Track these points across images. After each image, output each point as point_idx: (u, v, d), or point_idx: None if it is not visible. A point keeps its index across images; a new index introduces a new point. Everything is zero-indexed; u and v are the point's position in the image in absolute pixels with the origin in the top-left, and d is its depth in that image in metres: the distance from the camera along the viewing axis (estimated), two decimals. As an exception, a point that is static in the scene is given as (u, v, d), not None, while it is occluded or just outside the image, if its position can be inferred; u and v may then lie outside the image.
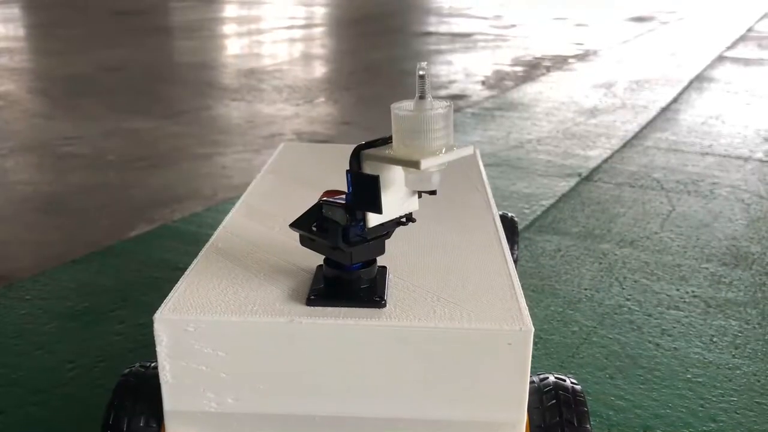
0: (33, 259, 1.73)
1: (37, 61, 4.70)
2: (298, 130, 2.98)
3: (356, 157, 0.75)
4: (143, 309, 1.44)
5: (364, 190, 0.75)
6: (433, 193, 0.78)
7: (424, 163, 0.71)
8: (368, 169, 0.75)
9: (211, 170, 2.45)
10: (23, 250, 1.80)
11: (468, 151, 0.75)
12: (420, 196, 0.80)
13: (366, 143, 0.76)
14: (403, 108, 0.73)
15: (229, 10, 8.02)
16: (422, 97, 0.72)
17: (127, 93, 3.69)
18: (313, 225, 0.79)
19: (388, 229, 0.79)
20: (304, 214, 0.81)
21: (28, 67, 4.40)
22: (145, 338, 1.33)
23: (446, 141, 0.73)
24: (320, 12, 8.09)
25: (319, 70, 4.51)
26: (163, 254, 1.71)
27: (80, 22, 6.54)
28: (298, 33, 6.21)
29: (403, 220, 0.80)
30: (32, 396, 1.17)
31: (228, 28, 6.51)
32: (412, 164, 0.72)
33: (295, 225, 0.81)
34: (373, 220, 0.77)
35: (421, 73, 0.72)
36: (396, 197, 0.78)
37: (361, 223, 0.77)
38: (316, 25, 6.92)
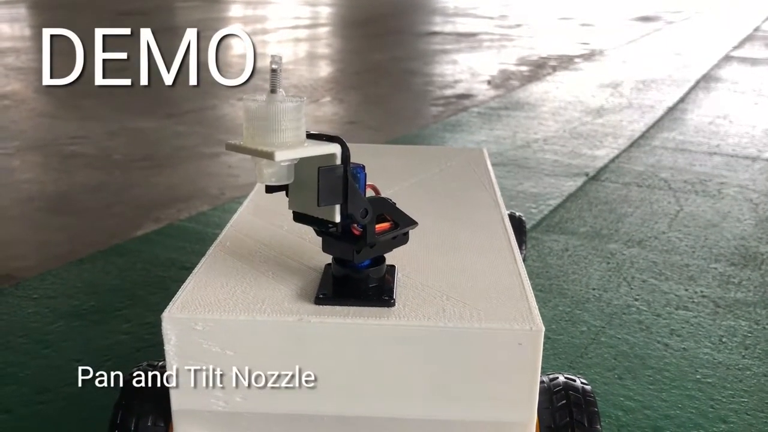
0: (39, 258, 1.73)
1: (42, 59, 4.70)
2: (304, 130, 2.97)
3: None
4: (150, 308, 1.44)
5: None
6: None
7: (227, 145, 0.73)
8: None
9: (217, 170, 2.44)
10: (29, 249, 1.80)
11: (290, 155, 0.72)
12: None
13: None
14: (253, 100, 0.73)
15: (234, 10, 8.03)
16: (273, 90, 0.72)
17: (132, 92, 3.69)
18: None
19: (311, 224, 0.78)
20: None
21: (34, 66, 4.41)
22: (151, 337, 1.33)
23: (285, 136, 0.72)
24: (325, 12, 8.09)
25: (325, 69, 4.51)
26: (170, 253, 1.71)
27: (85, 23, 6.55)
28: (303, 33, 6.21)
29: (356, 233, 0.78)
30: (39, 395, 1.16)
31: (233, 28, 6.51)
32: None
33: None
34: (291, 204, 0.79)
35: (274, 66, 0.72)
36: (307, 194, 0.76)
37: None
38: (321, 25, 6.92)
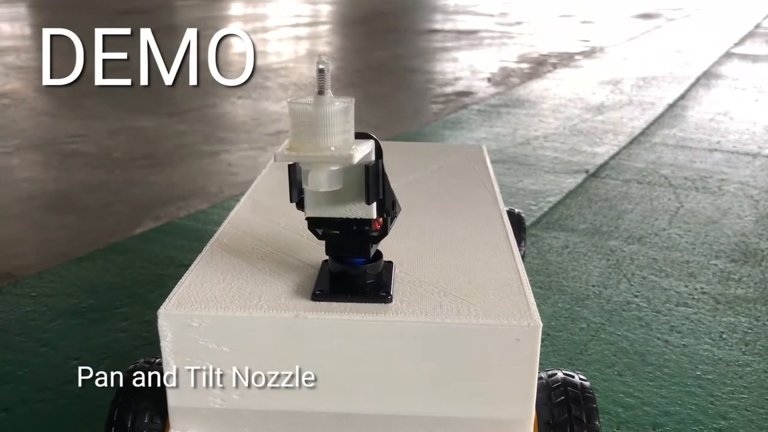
0: (38, 256, 1.73)
1: (43, 60, 4.69)
2: (304, 128, 2.97)
3: None
4: (148, 306, 1.43)
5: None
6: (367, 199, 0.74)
7: (278, 157, 0.69)
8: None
9: (216, 168, 2.44)
10: (29, 247, 1.80)
11: (343, 160, 0.69)
12: (384, 211, 0.77)
13: None
14: (299, 102, 0.70)
15: (235, 9, 8.02)
16: (321, 92, 0.69)
17: (132, 91, 3.69)
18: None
19: (343, 227, 0.77)
20: None
21: (34, 65, 4.41)
22: (150, 335, 1.32)
23: (336, 140, 0.69)
24: (325, 10, 8.09)
25: (325, 67, 4.50)
26: (169, 251, 1.71)
27: (85, 22, 6.54)
28: (304, 31, 6.20)
29: (376, 227, 0.77)
30: (37, 393, 1.16)
31: (233, 26, 6.50)
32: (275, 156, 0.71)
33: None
34: (309, 211, 0.77)
35: (320, 67, 0.69)
36: (336, 196, 0.75)
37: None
38: (321, 23, 6.91)
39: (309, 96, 0.70)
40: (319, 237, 0.80)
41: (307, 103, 0.70)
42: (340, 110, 0.70)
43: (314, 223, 0.78)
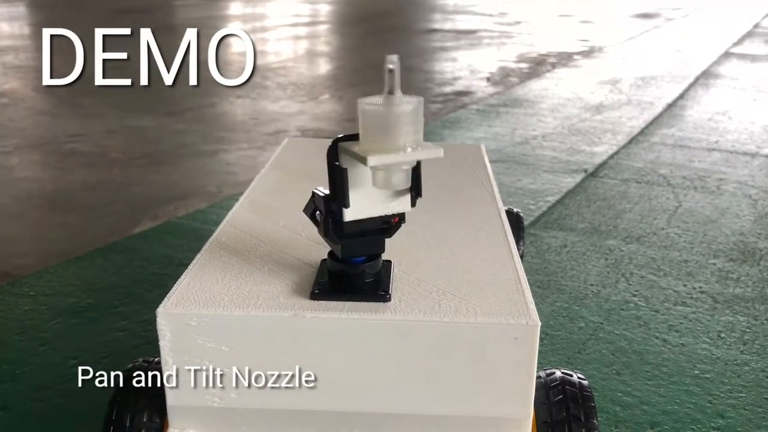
0: (37, 255, 1.73)
1: (42, 59, 4.69)
2: (303, 127, 2.97)
3: (334, 149, 0.74)
4: (147, 305, 1.43)
5: (334, 182, 0.74)
6: (415, 195, 0.75)
7: (371, 161, 0.69)
8: (345, 162, 0.73)
9: (215, 167, 2.44)
10: (27, 246, 1.80)
11: (433, 153, 0.71)
12: (414, 198, 0.77)
13: (346, 135, 0.74)
14: (370, 102, 0.70)
15: (234, 8, 8.02)
16: (391, 92, 0.69)
17: (131, 90, 3.68)
18: (314, 213, 0.79)
19: (370, 226, 0.76)
20: (309, 200, 0.80)
21: (33, 65, 4.40)
22: (148, 334, 1.32)
23: (412, 139, 0.70)
24: (324, 9, 8.08)
25: (324, 67, 4.50)
26: (167, 251, 1.71)
27: (84, 21, 6.54)
28: (303, 31, 6.20)
29: (395, 221, 0.77)
30: (35, 392, 1.16)
31: (232, 26, 6.50)
32: (361, 160, 0.69)
33: (304, 210, 0.81)
34: (349, 214, 0.75)
35: (390, 67, 0.69)
36: (376, 194, 0.75)
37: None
38: (320, 23, 6.91)
39: (376, 96, 0.70)
40: (337, 241, 0.77)
41: (378, 103, 0.69)
42: (412, 109, 0.70)
43: (350, 227, 0.76)
